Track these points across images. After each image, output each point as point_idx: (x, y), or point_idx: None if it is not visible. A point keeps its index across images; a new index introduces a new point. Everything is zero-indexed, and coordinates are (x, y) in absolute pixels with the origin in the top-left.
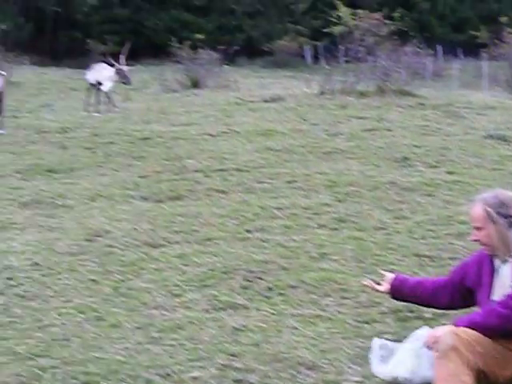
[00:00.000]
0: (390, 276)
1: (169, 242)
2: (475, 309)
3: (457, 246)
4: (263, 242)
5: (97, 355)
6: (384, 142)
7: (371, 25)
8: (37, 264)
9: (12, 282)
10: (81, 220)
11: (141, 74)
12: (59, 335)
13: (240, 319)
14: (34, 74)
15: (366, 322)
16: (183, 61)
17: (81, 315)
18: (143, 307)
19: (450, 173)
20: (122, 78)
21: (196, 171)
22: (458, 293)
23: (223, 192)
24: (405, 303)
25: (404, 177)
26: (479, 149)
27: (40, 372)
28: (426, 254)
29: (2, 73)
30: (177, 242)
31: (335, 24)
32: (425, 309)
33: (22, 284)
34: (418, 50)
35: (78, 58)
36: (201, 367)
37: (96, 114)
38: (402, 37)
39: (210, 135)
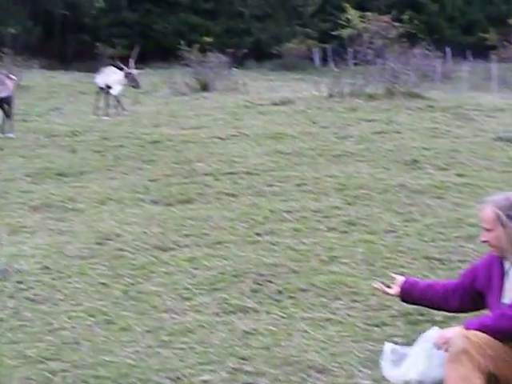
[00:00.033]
0: (400, 279)
1: (179, 246)
2: (485, 312)
3: (467, 249)
4: (273, 245)
5: (107, 359)
6: (393, 145)
7: (380, 27)
8: (47, 267)
9: (22, 286)
10: (91, 223)
11: (150, 77)
12: (69, 338)
13: (250, 323)
14: (43, 77)
15: (377, 325)
16: (192, 64)
17: (91, 318)
18: (153, 311)
19: (459, 175)
20: (131, 82)
21: (206, 174)
22: (469, 296)
23: (233, 195)
24: (415, 306)
25: (414, 179)
26: (489, 151)
27: (50, 375)
28: (435, 256)
29: (13, 77)
30: (187, 246)
31: (344, 27)
32: (435, 312)
33: (32, 287)
34: (427, 52)
35: (87, 61)
36: (211, 371)
37: (105, 118)
38: (410, 39)
39: (220, 138)
